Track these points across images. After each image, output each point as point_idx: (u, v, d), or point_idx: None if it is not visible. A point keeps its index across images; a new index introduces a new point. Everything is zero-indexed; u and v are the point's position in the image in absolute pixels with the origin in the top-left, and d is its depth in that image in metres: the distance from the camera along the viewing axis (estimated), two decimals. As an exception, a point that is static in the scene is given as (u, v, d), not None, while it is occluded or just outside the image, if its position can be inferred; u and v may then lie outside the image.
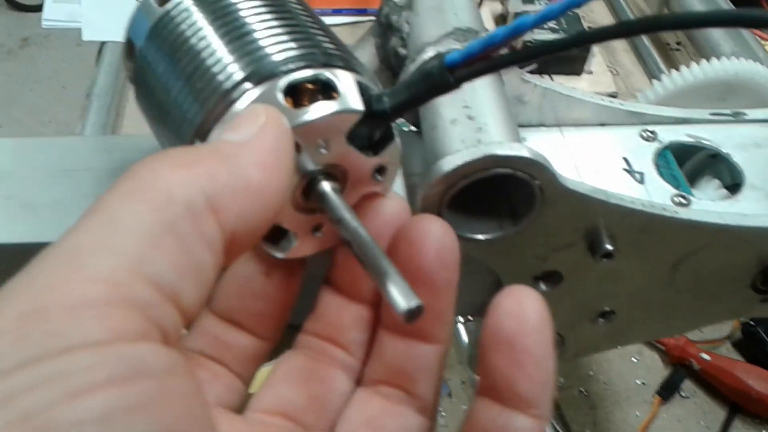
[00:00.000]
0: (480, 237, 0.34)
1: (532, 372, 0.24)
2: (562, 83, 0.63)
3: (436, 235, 0.26)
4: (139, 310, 0.18)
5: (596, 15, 0.96)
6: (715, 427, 0.84)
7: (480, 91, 0.35)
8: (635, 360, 0.90)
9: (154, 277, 0.19)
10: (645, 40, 0.85)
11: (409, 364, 0.28)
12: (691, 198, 0.39)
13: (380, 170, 0.28)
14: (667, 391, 0.87)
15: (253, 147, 0.22)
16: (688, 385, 0.88)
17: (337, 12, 1.00)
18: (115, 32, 0.91)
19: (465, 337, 0.87)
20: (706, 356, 0.88)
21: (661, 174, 0.40)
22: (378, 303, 0.29)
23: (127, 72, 0.30)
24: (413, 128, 0.40)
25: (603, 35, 0.22)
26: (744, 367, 0.87)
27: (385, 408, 0.28)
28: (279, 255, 0.28)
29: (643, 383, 0.88)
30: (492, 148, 0.31)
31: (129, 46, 0.29)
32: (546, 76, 0.76)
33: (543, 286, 0.38)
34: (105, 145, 0.37)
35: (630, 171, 0.40)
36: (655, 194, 0.39)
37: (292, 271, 0.29)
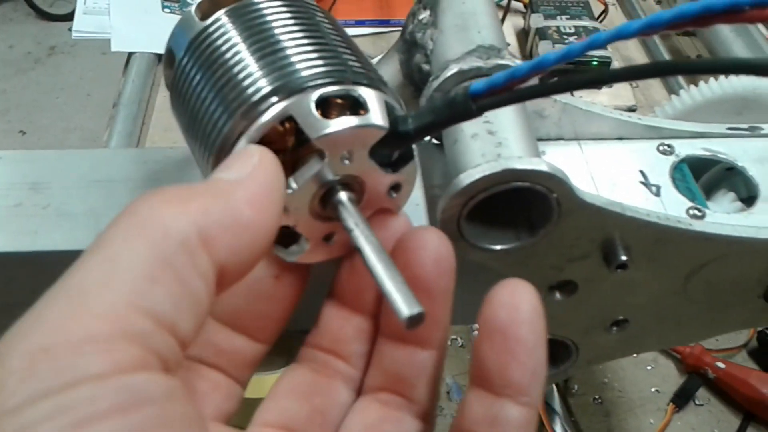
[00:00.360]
0: (497, 247, 0.35)
1: (524, 360, 0.25)
2: (582, 96, 0.64)
3: (434, 245, 0.28)
4: (138, 341, 0.20)
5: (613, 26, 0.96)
6: (729, 436, 0.85)
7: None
8: (650, 368, 0.91)
9: (152, 310, 0.20)
10: (665, 53, 0.86)
11: (407, 370, 0.29)
12: (706, 210, 0.40)
13: (396, 187, 0.29)
14: (682, 399, 0.88)
15: (245, 185, 0.23)
16: (702, 393, 0.89)
17: (360, 23, 1.01)
18: (143, 43, 0.93)
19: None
20: (721, 364, 0.88)
21: (677, 187, 0.41)
22: (379, 314, 0.30)
23: (165, 80, 0.32)
24: (435, 141, 0.42)
25: (624, 75, 0.23)
26: (759, 375, 0.87)
27: (384, 414, 0.29)
28: (289, 258, 0.29)
29: (658, 391, 0.89)
30: (511, 162, 0.32)
31: (169, 55, 0.31)
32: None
33: (558, 296, 0.39)
34: (137, 157, 0.38)
35: (646, 184, 0.41)
36: (671, 207, 0.40)
37: (299, 276, 0.30)
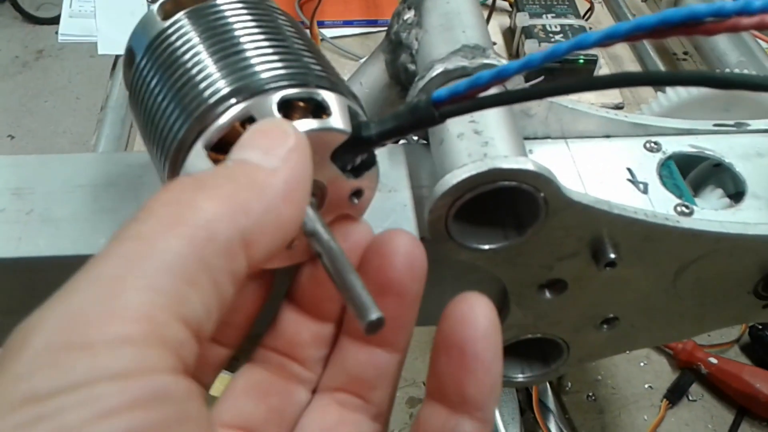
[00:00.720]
0: (486, 247, 0.35)
1: (480, 377, 0.25)
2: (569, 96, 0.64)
3: (407, 250, 0.28)
4: (171, 349, 0.20)
5: (604, 25, 0.97)
6: (722, 431, 0.85)
7: (486, 107, 0.36)
8: (643, 364, 0.91)
9: (187, 316, 0.20)
10: (651, 51, 0.86)
11: (368, 371, 0.29)
12: (694, 207, 0.40)
13: (357, 193, 0.29)
14: (675, 394, 0.88)
15: (281, 177, 0.23)
16: (695, 389, 0.89)
17: (348, 23, 1.01)
18: (130, 45, 0.92)
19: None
20: (713, 360, 0.88)
21: (665, 184, 0.41)
22: (340, 319, 0.30)
23: (125, 80, 0.31)
24: (423, 141, 0.41)
25: (593, 85, 0.23)
26: (751, 370, 0.88)
27: (342, 416, 0.29)
28: None
29: (651, 387, 0.89)
30: (497, 162, 0.32)
31: (129, 55, 0.31)
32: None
33: (548, 294, 0.39)
34: (121, 161, 0.38)
35: (634, 181, 0.41)
36: (659, 204, 0.40)
37: (262, 284, 0.30)
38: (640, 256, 0.38)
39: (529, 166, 0.32)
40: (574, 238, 0.36)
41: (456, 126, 0.35)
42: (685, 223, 0.37)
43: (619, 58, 0.89)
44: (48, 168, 0.36)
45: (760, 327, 0.92)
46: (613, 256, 0.36)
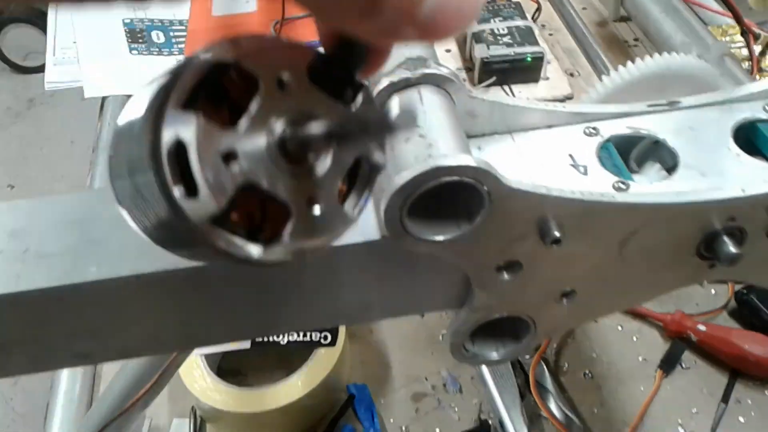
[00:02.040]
0: (440, 238, 0.39)
1: None
2: (521, 92, 0.68)
3: None
4: None
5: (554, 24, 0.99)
6: (717, 394, 0.89)
7: (429, 113, 0.40)
8: (635, 338, 0.95)
9: None
10: (592, 42, 0.89)
11: None
12: (631, 183, 0.44)
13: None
14: (668, 364, 0.91)
15: None
16: (688, 357, 0.92)
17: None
18: (114, 87, 0.96)
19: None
20: (702, 327, 0.92)
21: (604, 165, 0.45)
22: None
23: None
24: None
25: None
26: (739, 333, 0.91)
27: None
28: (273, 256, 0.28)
29: (645, 359, 0.93)
30: (439, 160, 0.36)
31: None
32: (506, 87, 0.81)
33: (506, 275, 0.43)
34: (104, 196, 0.42)
35: (575, 165, 0.45)
36: (599, 183, 0.44)
37: None
38: (584, 231, 0.41)
39: (468, 162, 0.36)
40: (521, 221, 0.40)
41: (403, 132, 0.39)
42: (621, 197, 0.41)
43: (575, 52, 0.93)
44: (41, 209, 0.40)
45: (745, 291, 0.95)
46: (557, 234, 0.40)
